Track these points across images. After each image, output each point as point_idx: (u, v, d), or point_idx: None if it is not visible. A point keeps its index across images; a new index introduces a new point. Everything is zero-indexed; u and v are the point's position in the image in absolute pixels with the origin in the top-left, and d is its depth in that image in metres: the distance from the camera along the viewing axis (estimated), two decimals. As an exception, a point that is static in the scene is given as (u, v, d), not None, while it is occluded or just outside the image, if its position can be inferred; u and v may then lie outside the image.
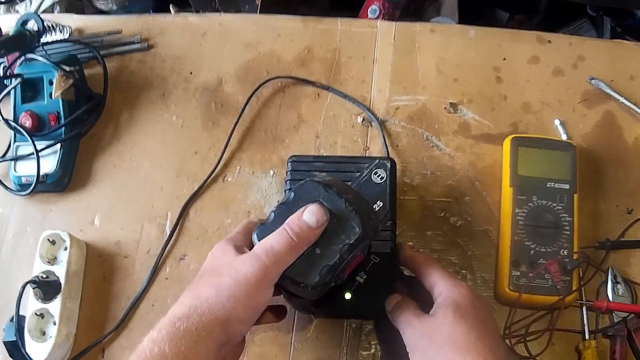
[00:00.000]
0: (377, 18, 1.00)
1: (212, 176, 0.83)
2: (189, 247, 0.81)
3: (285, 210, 0.59)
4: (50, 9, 1.03)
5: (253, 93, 0.87)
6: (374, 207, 0.69)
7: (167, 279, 0.79)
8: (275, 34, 0.91)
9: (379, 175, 0.71)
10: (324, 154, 0.84)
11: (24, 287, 0.74)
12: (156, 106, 0.89)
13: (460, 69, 0.86)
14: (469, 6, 1.17)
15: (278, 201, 0.68)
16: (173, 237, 0.81)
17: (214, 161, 0.84)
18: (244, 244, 0.62)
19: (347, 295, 0.66)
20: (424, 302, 0.63)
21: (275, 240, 0.57)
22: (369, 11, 0.99)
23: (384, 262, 0.68)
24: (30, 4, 1.04)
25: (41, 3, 1.02)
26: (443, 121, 0.85)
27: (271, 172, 0.83)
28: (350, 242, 0.56)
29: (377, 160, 0.72)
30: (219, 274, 0.58)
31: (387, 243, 0.68)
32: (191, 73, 0.90)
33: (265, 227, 0.59)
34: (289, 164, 0.74)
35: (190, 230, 0.82)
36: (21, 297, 0.74)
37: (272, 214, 0.60)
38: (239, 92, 0.89)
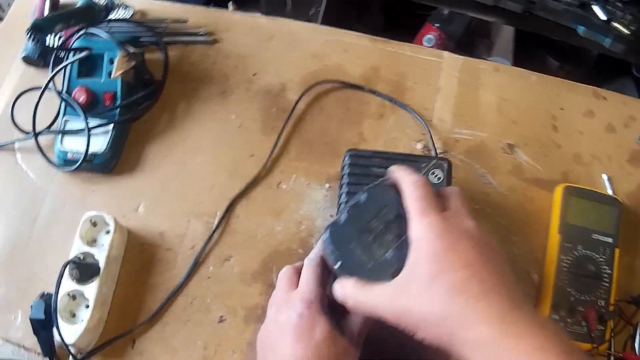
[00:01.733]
0: (431, 47, 1.04)
1: (264, 179, 0.85)
2: (235, 249, 0.82)
3: (358, 211, 0.63)
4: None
5: (307, 90, 0.89)
6: None
7: (209, 277, 0.80)
8: (343, 49, 0.93)
9: (437, 175, 0.75)
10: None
11: (65, 266, 0.73)
12: (215, 102, 0.90)
13: (519, 112, 0.91)
14: (521, 50, 1.23)
15: (331, 216, 0.71)
16: (220, 238, 0.82)
17: (271, 166, 0.86)
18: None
19: None
20: None
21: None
22: (424, 39, 1.03)
23: None
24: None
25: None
26: (499, 160, 0.89)
27: (327, 185, 0.85)
28: None
29: (435, 160, 0.76)
30: None
31: None
32: (254, 74, 0.92)
33: (339, 227, 0.63)
34: (347, 157, 0.77)
35: (239, 232, 0.83)
36: (62, 278, 0.72)
37: (345, 213, 0.63)
38: (302, 100, 0.90)
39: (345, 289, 0.61)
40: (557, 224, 0.83)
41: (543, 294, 0.81)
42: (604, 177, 0.89)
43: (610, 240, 0.83)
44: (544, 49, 1.34)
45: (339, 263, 0.61)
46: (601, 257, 0.82)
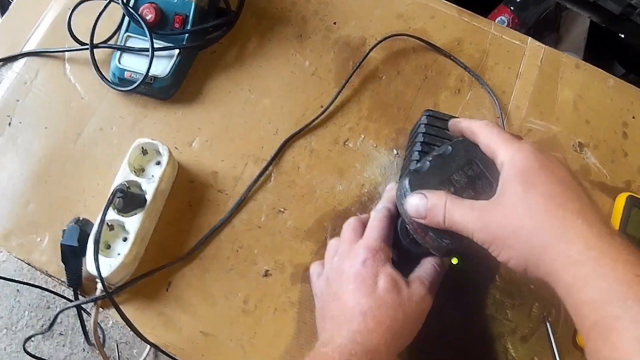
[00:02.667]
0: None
1: (331, 134, 0.81)
2: (291, 202, 0.78)
3: (441, 162, 0.62)
4: None
5: (381, 41, 0.86)
6: None
7: (260, 227, 0.76)
8: (430, 15, 0.89)
9: None
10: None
11: (114, 193, 0.68)
12: (290, 45, 0.85)
13: (594, 112, 0.89)
14: (591, 50, 1.22)
15: (408, 170, 0.69)
16: (277, 188, 0.78)
17: (339, 121, 0.82)
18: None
19: (454, 261, 0.71)
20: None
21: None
22: (497, 19, 1.01)
23: None
24: None
25: None
26: (568, 157, 0.86)
27: (395, 151, 0.82)
28: None
29: None
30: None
31: None
32: (335, 23, 0.87)
33: (420, 175, 0.61)
34: (424, 117, 0.75)
35: (298, 184, 0.79)
36: (109, 205, 0.67)
37: (428, 162, 0.62)
38: (381, 59, 0.87)
39: (439, 200, 0.58)
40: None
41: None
42: (669, 192, 0.90)
43: (668, 256, 0.83)
44: (614, 54, 1.34)
45: None
46: (656, 272, 0.82)
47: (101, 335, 1.62)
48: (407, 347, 0.64)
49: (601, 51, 1.27)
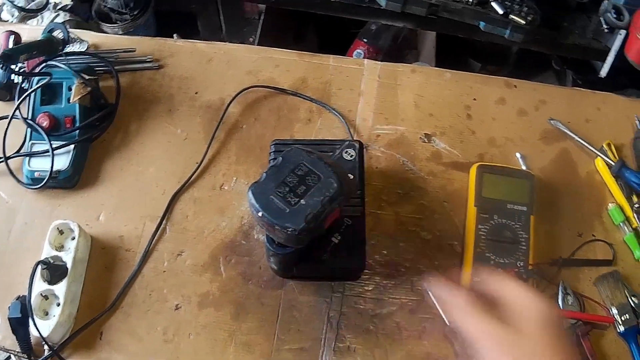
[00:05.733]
0: (362, 59, 1.23)
1: (209, 182, 1.03)
2: (186, 245, 0.99)
3: (275, 171, 0.78)
4: (60, 27, 1.24)
5: (236, 96, 1.08)
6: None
7: (164, 271, 0.97)
8: (274, 64, 1.12)
9: (349, 153, 0.92)
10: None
11: (36, 265, 0.88)
12: (163, 119, 1.08)
13: (435, 106, 1.09)
14: (445, 55, 1.42)
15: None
16: (173, 236, 0.99)
17: (213, 171, 1.04)
18: None
19: (325, 257, 0.87)
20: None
21: None
22: (354, 54, 1.21)
23: (355, 224, 0.89)
24: (42, 20, 1.24)
25: (53, 19, 1.23)
26: (418, 149, 1.06)
27: (264, 182, 1.02)
28: (330, 195, 0.76)
29: (348, 141, 0.94)
30: None
31: (357, 208, 0.91)
32: (196, 93, 1.10)
33: (259, 185, 0.78)
34: (272, 146, 0.94)
35: (189, 230, 1.00)
36: (34, 275, 0.88)
37: (264, 174, 0.79)
38: (239, 112, 1.09)
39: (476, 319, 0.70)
40: (473, 198, 1.00)
41: (465, 261, 0.97)
42: (518, 155, 1.06)
43: (524, 208, 0.99)
44: (466, 52, 1.52)
45: (260, 212, 0.76)
46: (517, 224, 0.97)
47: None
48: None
49: (455, 54, 1.45)
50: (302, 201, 0.76)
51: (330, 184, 0.77)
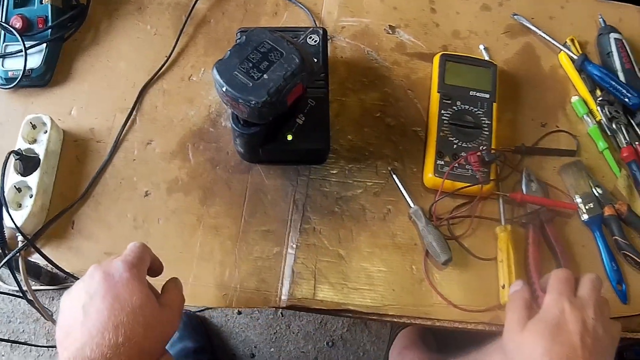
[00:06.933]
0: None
1: (177, 74, 1.00)
2: (156, 134, 0.95)
3: (239, 49, 0.76)
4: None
5: None
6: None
7: (134, 160, 0.93)
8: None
9: (314, 39, 0.90)
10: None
11: (8, 155, 0.85)
12: (133, 17, 1.04)
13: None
14: None
15: None
16: (143, 126, 0.96)
17: (182, 63, 1.00)
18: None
19: (289, 137, 0.84)
20: None
21: None
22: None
23: (319, 105, 0.86)
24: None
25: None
26: (382, 40, 1.02)
27: (231, 74, 1.00)
28: (292, 70, 0.74)
29: (312, 28, 0.91)
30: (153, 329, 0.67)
31: (321, 90, 0.87)
32: None
33: (223, 62, 0.76)
34: (238, 33, 0.91)
35: (158, 120, 0.96)
36: (6, 164, 0.85)
37: (229, 52, 0.76)
38: (207, 7, 1.05)
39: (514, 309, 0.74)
40: (436, 85, 0.96)
41: (428, 145, 0.93)
42: (481, 47, 1.02)
43: (487, 96, 0.95)
44: None
45: (224, 87, 0.74)
46: (479, 110, 0.94)
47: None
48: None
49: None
50: (265, 76, 0.74)
51: (293, 59, 0.75)
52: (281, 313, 1.72)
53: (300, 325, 1.72)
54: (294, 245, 0.89)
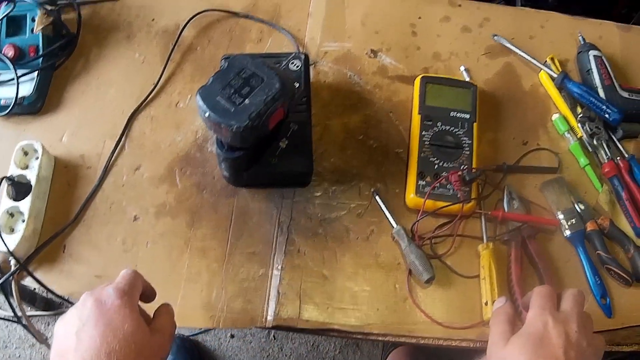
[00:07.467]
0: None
1: (164, 100, 1.02)
2: (144, 159, 0.97)
3: (221, 75, 0.78)
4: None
5: (190, 20, 1.08)
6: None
7: (123, 185, 0.95)
8: (226, -11, 1.10)
9: (295, 64, 0.92)
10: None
11: (0, 181, 0.89)
12: (121, 45, 1.06)
13: (381, 24, 1.06)
14: None
15: None
16: (131, 152, 0.97)
17: (169, 90, 1.02)
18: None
19: (273, 160, 0.87)
20: None
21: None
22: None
23: (301, 129, 0.89)
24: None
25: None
26: (364, 64, 1.04)
27: (217, 99, 1.02)
28: (273, 95, 0.76)
29: (294, 53, 0.93)
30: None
31: (304, 114, 0.90)
32: (153, 19, 1.08)
33: (206, 88, 0.78)
34: (222, 60, 0.93)
35: (146, 145, 0.98)
36: None
37: (211, 78, 0.78)
38: (194, 35, 1.07)
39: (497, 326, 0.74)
40: (417, 107, 0.97)
41: (410, 166, 0.94)
42: (462, 68, 1.03)
43: (467, 116, 0.96)
44: None
45: (207, 113, 0.76)
46: (460, 130, 0.95)
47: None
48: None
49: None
50: (247, 101, 0.76)
51: (273, 84, 0.77)
52: (274, 336, 1.73)
53: (292, 348, 1.73)
54: (279, 267, 0.90)
